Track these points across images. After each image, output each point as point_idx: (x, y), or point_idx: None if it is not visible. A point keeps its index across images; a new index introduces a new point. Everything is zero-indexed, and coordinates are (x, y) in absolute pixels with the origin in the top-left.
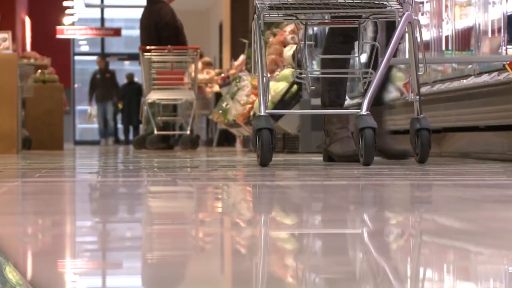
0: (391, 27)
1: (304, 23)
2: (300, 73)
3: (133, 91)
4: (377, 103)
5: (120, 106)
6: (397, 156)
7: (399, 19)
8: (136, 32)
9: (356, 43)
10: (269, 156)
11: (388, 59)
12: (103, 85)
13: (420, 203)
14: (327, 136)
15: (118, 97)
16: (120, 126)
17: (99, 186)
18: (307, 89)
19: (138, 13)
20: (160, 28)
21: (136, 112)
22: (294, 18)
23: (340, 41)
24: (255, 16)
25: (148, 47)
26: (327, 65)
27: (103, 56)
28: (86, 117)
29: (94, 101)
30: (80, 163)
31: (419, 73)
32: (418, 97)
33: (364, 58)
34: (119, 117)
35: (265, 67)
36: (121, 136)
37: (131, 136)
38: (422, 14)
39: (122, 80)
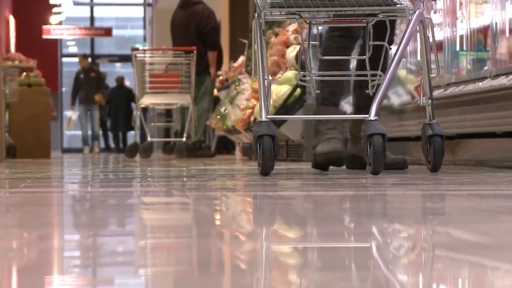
0: (379, 27)
1: (308, 22)
2: (304, 76)
3: (122, 96)
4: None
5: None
6: (390, 166)
7: (410, 18)
8: (128, 32)
9: (357, 41)
10: (270, 165)
11: (398, 61)
12: (88, 85)
13: (432, 214)
14: (316, 137)
15: (104, 98)
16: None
17: (89, 197)
18: (312, 92)
19: (130, 12)
20: (206, 33)
21: (124, 118)
22: (297, 17)
23: (338, 34)
24: (256, 14)
25: (141, 48)
26: (326, 63)
27: (85, 55)
28: (66, 123)
29: (78, 103)
30: (68, 172)
31: (432, 75)
32: (430, 101)
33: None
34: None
35: (266, 69)
36: (111, 144)
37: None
38: (435, 12)
39: (112, 83)
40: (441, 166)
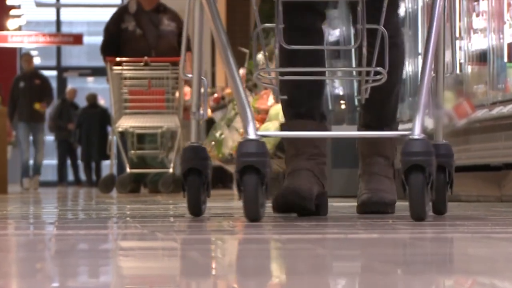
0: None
1: None
2: (268, 74)
3: (95, 117)
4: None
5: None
6: (370, 208)
7: None
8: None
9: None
10: (256, 207)
11: (432, 56)
12: (30, 96)
13: (474, 262)
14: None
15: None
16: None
17: (55, 240)
18: (276, 98)
19: (104, 15)
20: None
21: (98, 144)
22: None
23: (294, 9)
24: None
25: (118, 59)
26: (290, 56)
27: (30, 55)
28: None
29: (17, 121)
30: (30, 211)
31: (446, 74)
32: (442, 111)
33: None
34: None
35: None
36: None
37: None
38: (478, 15)
39: (82, 102)
40: (446, 207)
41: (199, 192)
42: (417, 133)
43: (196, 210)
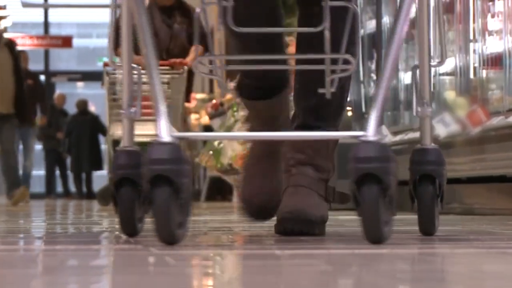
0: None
1: None
2: (210, 62)
3: (85, 125)
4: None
5: (40, 121)
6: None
7: None
8: (93, 42)
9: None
10: (169, 226)
11: (398, 47)
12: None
13: (489, 279)
14: None
15: (45, 115)
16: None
17: (43, 256)
18: (223, 89)
19: (95, 15)
20: None
21: (89, 153)
22: None
23: None
24: None
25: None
26: (245, 41)
27: (26, 53)
28: None
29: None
30: (17, 224)
31: (433, 63)
32: (429, 108)
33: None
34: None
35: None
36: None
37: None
38: (493, 16)
39: (72, 109)
40: (435, 227)
41: (133, 207)
42: (371, 134)
43: (129, 228)
